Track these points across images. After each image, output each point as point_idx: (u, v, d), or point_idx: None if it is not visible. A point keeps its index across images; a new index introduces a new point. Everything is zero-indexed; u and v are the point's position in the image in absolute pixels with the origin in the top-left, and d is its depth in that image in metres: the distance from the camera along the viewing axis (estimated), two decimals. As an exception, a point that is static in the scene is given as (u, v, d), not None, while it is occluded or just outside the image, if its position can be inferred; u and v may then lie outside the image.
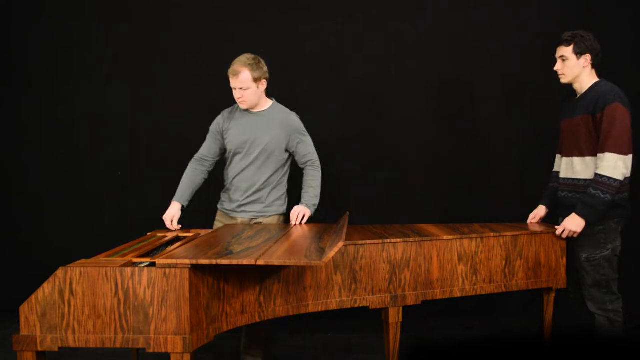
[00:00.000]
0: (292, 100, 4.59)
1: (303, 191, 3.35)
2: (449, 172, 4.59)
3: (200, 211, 3.87)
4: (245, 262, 2.20)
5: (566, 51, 3.08)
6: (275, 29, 4.55)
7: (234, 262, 2.21)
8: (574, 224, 3.02)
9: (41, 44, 4.65)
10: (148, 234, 3.10)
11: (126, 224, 4.53)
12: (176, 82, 4.57)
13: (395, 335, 2.88)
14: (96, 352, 3.62)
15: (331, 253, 2.22)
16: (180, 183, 3.34)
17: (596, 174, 2.94)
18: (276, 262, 2.20)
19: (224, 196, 3.43)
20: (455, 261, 2.93)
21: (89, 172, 4.68)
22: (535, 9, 4.48)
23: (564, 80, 3.14)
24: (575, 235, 3.05)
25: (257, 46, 4.57)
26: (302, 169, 3.42)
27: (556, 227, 3.13)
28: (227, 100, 3.48)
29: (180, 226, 3.24)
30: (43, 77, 4.67)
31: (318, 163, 3.40)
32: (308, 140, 3.41)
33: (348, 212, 3.18)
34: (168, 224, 3.21)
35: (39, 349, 2.19)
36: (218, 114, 3.46)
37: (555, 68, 3.14)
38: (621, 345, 3.14)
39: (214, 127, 3.41)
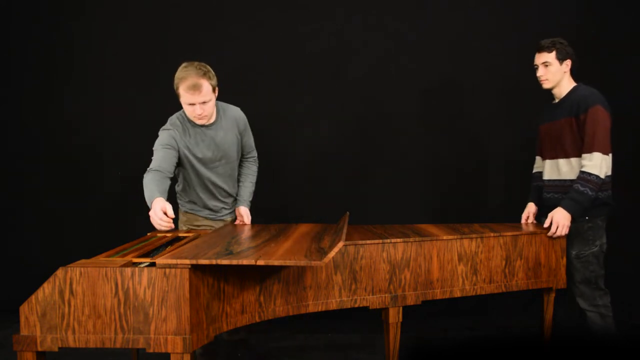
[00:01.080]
0: (292, 101, 4.60)
1: (243, 185, 3.30)
2: (448, 172, 4.59)
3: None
4: (245, 262, 2.20)
5: (549, 57, 3.17)
6: (275, 29, 4.56)
7: (234, 262, 2.21)
8: (564, 217, 3.05)
9: (41, 44, 4.65)
10: (148, 234, 3.10)
11: (126, 224, 4.53)
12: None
13: (395, 335, 2.88)
14: (96, 352, 3.62)
15: (331, 253, 2.22)
16: (149, 187, 2.76)
17: (584, 172, 3.03)
18: (276, 263, 2.20)
19: (194, 206, 3.24)
20: (455, 261, 2.93)
21: (89, 172, 4.68)
22: (535, 9, 4.48)
23: (546, 85, 3.22)
24: (564, 232, 3.07)
25: (257, 46, 4.58)
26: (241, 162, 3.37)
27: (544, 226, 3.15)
28: (226, 99, 3.48)
29: (173, 217, 2.61)
30: (43, 77, 4.67)
31: (257, 157, 3.40)
32: (251, 133, 3.31)
33: (348, 212, 3.18)
34: (161, 216, 2.53)
35: (39, 349, 2.19)
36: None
37: (539, 74, 3.22)
38: (620, 346, 3.15)
39: (168, 140, 2.97)
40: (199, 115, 2.95)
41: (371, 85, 4.55)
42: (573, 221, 3.09)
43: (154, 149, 2.97)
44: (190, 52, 4.64)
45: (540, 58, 3.19)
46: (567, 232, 3.09)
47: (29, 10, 4.65)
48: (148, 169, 2.88)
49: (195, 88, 2.86)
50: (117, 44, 4.61)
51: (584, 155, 3.04)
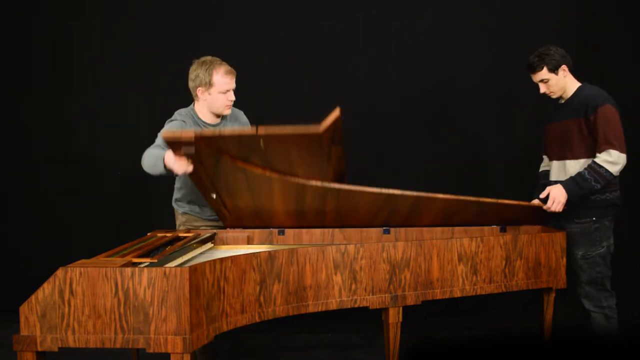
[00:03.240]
0: (292, 101, 4.60)
1: None
2: (448, 171, 4.59)
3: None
4: (247, 132, 2.40)
5: (543, 74, 3.10)
6: (275, 29, 4.56)
7: (236, 133, 2.44)
8: (561, 194, 3.04)
9: (41, 44, 4.66)
10: (148, 234, 3.10)
11: (126, 224, 4.53)
12: (176, 82, 4.57)
13: (395, 335, 2.87)
14: (96, 352, 3.62)
15: (329, 119, 2.34)
16: (152, 153, 2.79)
17: (595, 163, 2.99)
18: (277, 132, 2.40)
19: (194, 207, 3.20)
20: (455, 261, 2.93)
21: (89, 172, 4.68)
22: (535, 9, 4.48)
23: (554, 96, 3.17)
24: (558, 208, 3.06)
25: (257, 46, 4.59)
26: None
27: (538, 201, 3.16)
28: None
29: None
30: (43, 77, 4.68)
31: None
32: None
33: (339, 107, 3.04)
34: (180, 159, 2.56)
35: (39, 349, 2.19)
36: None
37: (542, 92, 3.15)
38: (621, 346, 3.15)
39: (178, 128, 3.00)
40: (231, 101, 3.03)
41: (371, 85, 4.56)
42: (568, 204, 3.06)
43: (159, 134, 2.94)
44: (191, 52, 4.62)
45: (536, 77, 3.14)
46: (560, 210, 3.07)
47: (29, 10, 4.65)
48: (150, 147, 2.87)
49: (233, 72, 3.02)
50: (117, 44, 4.61)
51: (598, 155, 3.00)
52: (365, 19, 4.55)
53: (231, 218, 3.04)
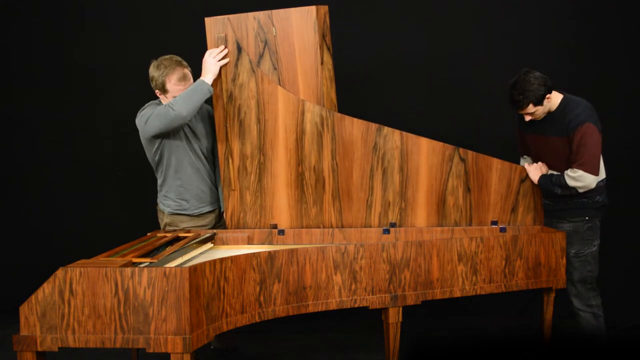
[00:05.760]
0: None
1: None
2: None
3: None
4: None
5: (529, 109, 3.02)
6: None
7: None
8: (535, 177, 3.12)
9: (41, 44, 4.65)
10: (148, 234, 3.10)
11: (126, 224, 4.53)
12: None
13: (395, 335, 2.88)
14: (96, 352, 3.62)
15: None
16: (185, 91, 3.05)
17: (565, 174, 3.02)
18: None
19: (182, 202, 3.20)
20: (455, 261, 2.93)
21: (89, 172, 4.68)
22: (535, 4, 4.46)
23: (540, 118, 3.11)
24: (529, 169, 3.17)
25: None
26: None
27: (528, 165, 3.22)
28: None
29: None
30: (43, 77, 4.67)
31: None
32: None
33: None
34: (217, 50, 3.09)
35: (39, 349, 2.19)
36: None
37: (527, 119, 3.10)
38: (620, 346, 3.15)
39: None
40: None
41: (369, 85, 4.55)
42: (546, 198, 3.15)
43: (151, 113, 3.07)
44: (192, 52, 4.64)
45: (521, 112, 3.07)
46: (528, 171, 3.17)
47: (29, 10, 4.65)
48: (167, 106, 3.02)
49: (186, 77, 3.10)
50: (117, 43, 4.61)
51: (572, 169, 3.00)
52: (365, 14, 4.54)
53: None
